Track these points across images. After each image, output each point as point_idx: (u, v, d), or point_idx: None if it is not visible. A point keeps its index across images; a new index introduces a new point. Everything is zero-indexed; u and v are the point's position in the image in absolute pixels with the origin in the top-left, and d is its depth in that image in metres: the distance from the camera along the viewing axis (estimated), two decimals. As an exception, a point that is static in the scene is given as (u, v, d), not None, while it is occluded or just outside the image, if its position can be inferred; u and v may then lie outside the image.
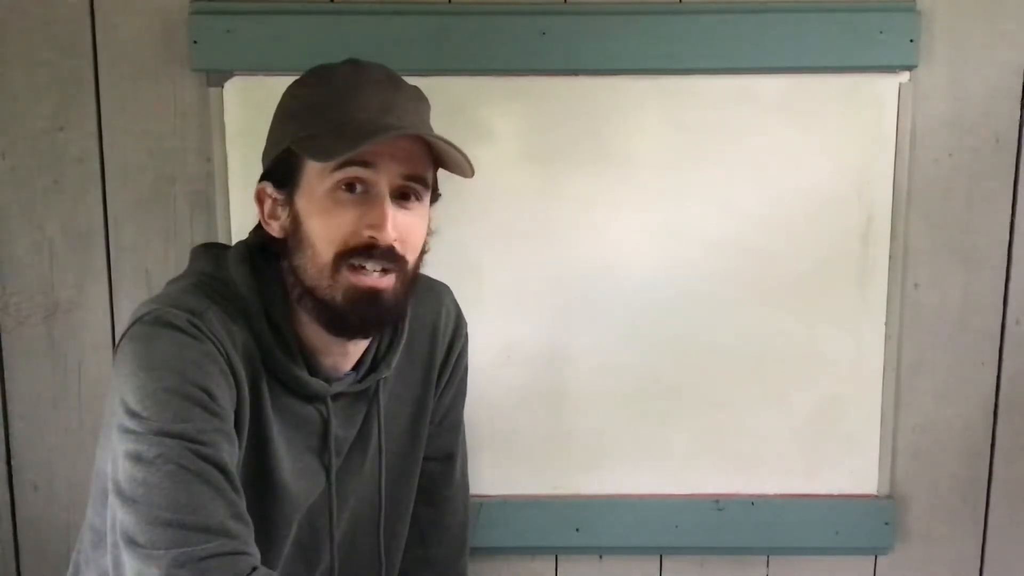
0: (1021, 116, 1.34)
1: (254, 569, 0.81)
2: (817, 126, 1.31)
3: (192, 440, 0.82)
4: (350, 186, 0.90)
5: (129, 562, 0.81)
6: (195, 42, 1.28)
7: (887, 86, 1.31)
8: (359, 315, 0.92)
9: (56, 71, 1.31)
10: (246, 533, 0.83)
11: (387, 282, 0.92)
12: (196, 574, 0.78)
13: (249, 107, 1.28)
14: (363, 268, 0.90)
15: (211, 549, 0.79)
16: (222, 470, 0.83)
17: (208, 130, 1.31)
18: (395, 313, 0.96)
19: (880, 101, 1.31)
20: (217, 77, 1.30)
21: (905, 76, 1.31)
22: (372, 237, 0.89)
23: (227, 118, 1.29)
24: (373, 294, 0.91)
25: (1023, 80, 1.33)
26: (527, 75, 1.30)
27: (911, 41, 1.29)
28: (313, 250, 0.91)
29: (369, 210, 0.90)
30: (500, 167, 1.31)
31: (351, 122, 0.89)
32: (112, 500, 0.84)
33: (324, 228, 0.90)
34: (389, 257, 0.91)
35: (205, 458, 0.82)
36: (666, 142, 1.32)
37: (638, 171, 1.32)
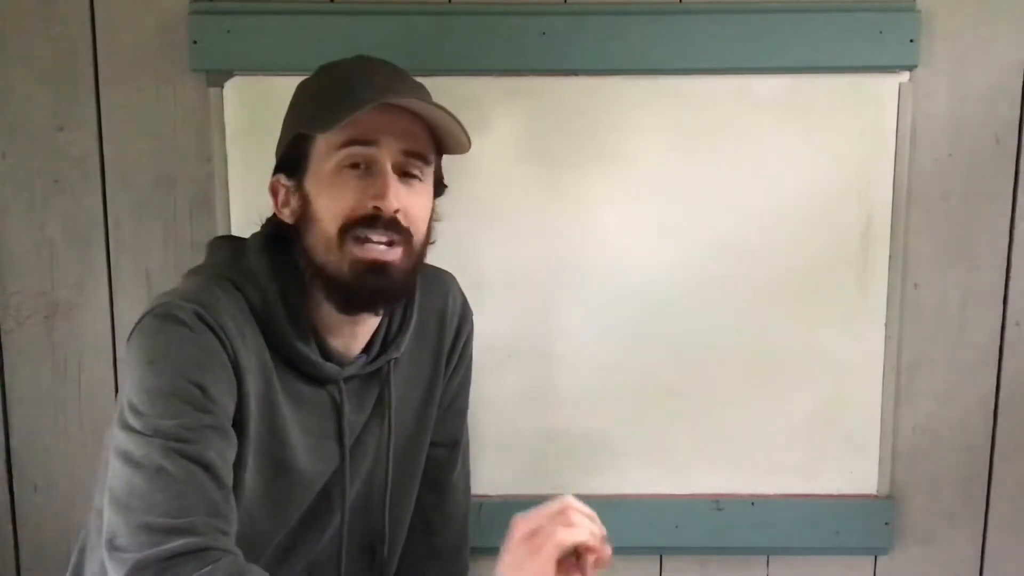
0: (1021, 116, 1.34)
1: (218, 560, 0.81)
2: (817, 126, 1.31)
3: (177, 439, 0.85)
4: (354, 165, 0.93)
5: (108, 564, 0.83)
6: (195, 42, 1.28)
7: (887, 86, 1.31)
8: (367, 288, 0.95)
9: (56, 71, 1.31)
10: (219, 528, 0.84)
11: (393, 255, 0.94)
12: (158, 573, 0.79)
13: (249, 107, 1.28)
14: (368, 240, 0.93)
15: (175, 548, 0.80)
16: (206, 467, 0.85)
17: (208, 130, 1.31)
18: (403, 287, 0.99)
19: (880, 101, 1.31)
20: (217, 77, 1.29)
21: (905, 76, 1.31)
22: (376, 207, 0.92)
23: (227, 118, 1.29)
24: (380, 266, 0.94)
25: (1023, 80, 1.33)
26: (527, 75, 1.30)
27: (911, 41, 1.29)
28: (320, 225, 0.94)
29: (372, 183, 0.93)
30: (500, 167, 1.31)
31: (351, 97, 0.92)
32: (105, 497, 0.86)
33: (329, 203, 0.93)
34: (394, 228, 0.93)
35: (188, 456, 0.84)
36: (666, 142, 1.32)
37: (638, 171, 1.32)
